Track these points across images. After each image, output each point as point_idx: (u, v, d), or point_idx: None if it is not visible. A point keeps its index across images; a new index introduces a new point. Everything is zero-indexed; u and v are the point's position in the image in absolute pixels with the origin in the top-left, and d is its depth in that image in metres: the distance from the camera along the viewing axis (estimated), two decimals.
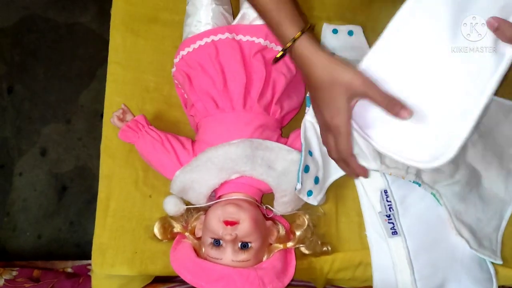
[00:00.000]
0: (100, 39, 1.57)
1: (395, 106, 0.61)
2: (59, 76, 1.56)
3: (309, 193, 0.76)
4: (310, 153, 0.78)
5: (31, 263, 1.25)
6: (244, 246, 0.73)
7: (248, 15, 0.83)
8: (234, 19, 0.86)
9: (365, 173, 0.70)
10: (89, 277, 1.10)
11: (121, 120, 0.84)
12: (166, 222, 0.81)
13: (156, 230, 0.81)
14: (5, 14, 1.59)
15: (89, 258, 0.88)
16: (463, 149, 0.85)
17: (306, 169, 0.76)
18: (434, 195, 0.84)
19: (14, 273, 1.11)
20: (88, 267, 1.19)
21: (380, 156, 0.82)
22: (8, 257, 1.43)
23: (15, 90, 1.55)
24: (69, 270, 1.21)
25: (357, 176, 0.71)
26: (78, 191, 1.51)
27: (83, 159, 1.52)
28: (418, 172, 0.83)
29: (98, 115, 1.54)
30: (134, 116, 0.85)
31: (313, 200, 0.77)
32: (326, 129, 0.67)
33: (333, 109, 0.63)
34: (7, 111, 1.54)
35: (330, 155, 0.71)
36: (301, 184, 0.74)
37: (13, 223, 1.48)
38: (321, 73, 0.62)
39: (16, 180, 1.51)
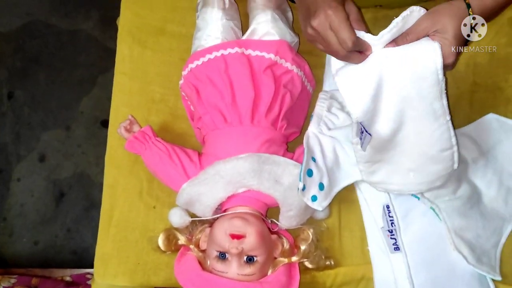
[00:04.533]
0: (102, 47, 1.57)
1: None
2: (60, 82, 1.56)
3: (314, 198, 0.77)
4: (314, 159, 0.79)
5: (30, 270, 1.24)
6: (250, 260, 0.73)
7: (258, 30, 0.84)
8: (243, 34, 0.87)
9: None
10: (88, 286, 1.10)
11: (128, 131, 0.85)
12: (170, 233, 0.81)
13: (160, 241, 0.80)
14: (7, 20, 1.59)
15: (86, 265, 0.88)
16: (465, 165, 0.87)
17: (309, 173, 0.76)
18: (434, 210, 0.84)
19: (13, 280, 1.10)
20: (87, 276, 1.19)
21: None
22: (4, 262, 1.43)
23: (15, 96, 1.55)
24: (68, 278, 1.20)
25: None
26: (76, 197, 1.50)
27: (82, 166, 1.52)
28: None
29: (98, 122, 1.54)
30: (141, 127, 0.85)
31: (318, 206, 0.77)
32: (322, 29, 0.65)
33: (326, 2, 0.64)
34: (6, 116, 1.53)
35: (337, 55, 0.68)
36: (304, 185, 0.74)
37: (10, 229, 1.47)
38: None
39: (14, 186, 1.50)
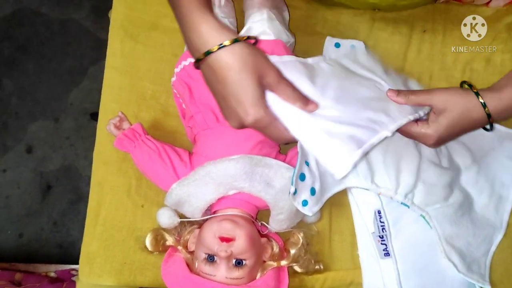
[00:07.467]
0: (93, 37, 1.55)
1: (302, 97, 0.61)
2: (49, 72, 1.53)
3: (304, 202, 0.76)
4: (307, 163, 0.78)
5: (13, 265, 1.22)
6: (239, 263, 0.72)
7: (253, 29, 0.82)
8: (238, 33, 0.85)
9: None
10: (73, 282, 1.08)
11: (118, 127, 0.83)
12: (158, 234, 0.79)
13: (148, 241, 0.79)
14: None
15: (72, 260, 0.86)
16: (457, 173, 0.87)
17: (302, 177, 0.75)
18: (424, 218, 0.84)
19: None
20: (72, 272, 1.17)
21: (371, 175, 0.83)
22: None
23: (3, 85, 1.52)
24: (52, 274, 1.18)
25: None
26: (63, 190, 1.48)
27: (70, 158, 1.50)
28: (409, 194, 0.83)
29: (88, 114, 1.52)
30: (131, 125, 0.84)
31: (308, 211, 0.76)
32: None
33: (252, 100, 0.55)
34: None
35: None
36: (295, 189, 0.73)
37: None
38: (232, 60, 0.53)
39: None
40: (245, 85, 0.54)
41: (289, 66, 0.67)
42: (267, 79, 0.56)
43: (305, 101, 0.61)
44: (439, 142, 0.70)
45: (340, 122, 0.64)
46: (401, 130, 0.72)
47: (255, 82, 0.54)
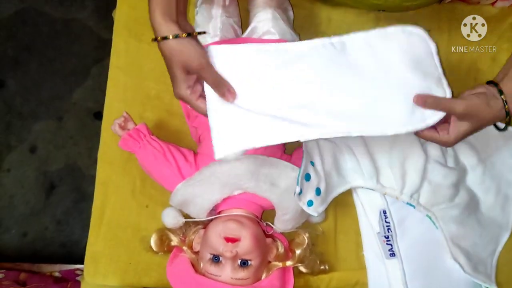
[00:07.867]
0: (96, 37, 1.54)
1: (221, 88, 0.68)
2: (52, 72, 1.53)
3: (310, 203, 0.75)
4: (312, 163, 0.78)
5: (18, 265, 1.22)
6: (244, 263, 0.72)
7: (258, 29, 0.82)
8: (243, 32, 0.85)
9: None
10: (78, 282, 1.08)
11: (123, 128, 0.83)
12: (163, 234, 0.79)
13: (153, 242, 0.79)
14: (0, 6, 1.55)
15: (75, 258, 0.86)
16: (463, 173, 0.86)
17: (307, 177, 0.75)
18: (430, 218, 0.84)
19: (0, 275, 1.08)
20: (77, 272, 1.17)
21: (377, 175, 0.82)
22: None
23: (7, 85, 1.52)
24: (57, 274, 1.18)
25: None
26: (66, 190, 1.48)
27: (73, 157, 1.49)
28: (414, 194, 0.83)
29: (91, 113, 1.51)
30: (136, 125, 0.84)
31: (313, 211, 0.76)
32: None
33: (175, 83, 0.69)
34: None
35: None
36: (301, 189, 0.73)
37: None
38: (165, 52, 0.67)
39: (3, 176, 1.48)
40: (171, 71, 0.68)
41: (233, 56, 0.72)
42: (190, 67, 0.67)
43: (222, 91, 0.69)
44: (455, 144, 0.73)
45: (262, 115, 0.69)
46: (420, 135, 0.73)
47: (179, 70, 0.67)
